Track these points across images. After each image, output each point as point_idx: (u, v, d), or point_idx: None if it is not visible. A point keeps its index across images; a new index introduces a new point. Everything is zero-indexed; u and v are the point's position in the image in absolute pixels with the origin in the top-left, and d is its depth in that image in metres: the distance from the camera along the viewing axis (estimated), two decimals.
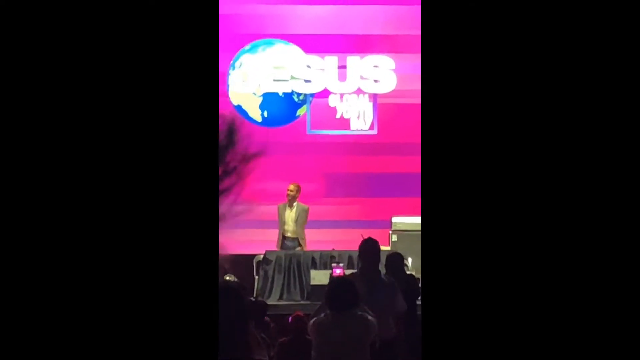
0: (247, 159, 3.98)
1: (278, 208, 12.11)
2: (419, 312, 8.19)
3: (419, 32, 10.67)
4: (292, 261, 11.40)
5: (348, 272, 10.47)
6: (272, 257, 11.37)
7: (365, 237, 9.80)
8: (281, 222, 12.12)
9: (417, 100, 12.79)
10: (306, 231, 12.24)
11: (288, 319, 8.70)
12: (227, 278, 10.69)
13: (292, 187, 12.07)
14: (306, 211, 12.13)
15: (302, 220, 12.02)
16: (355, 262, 10.85)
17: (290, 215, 11.99)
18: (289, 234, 11.99)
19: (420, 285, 8.96)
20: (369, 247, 7.28)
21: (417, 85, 12.36)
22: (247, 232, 11.89)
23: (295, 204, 12.01)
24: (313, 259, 11.30)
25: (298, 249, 11.71)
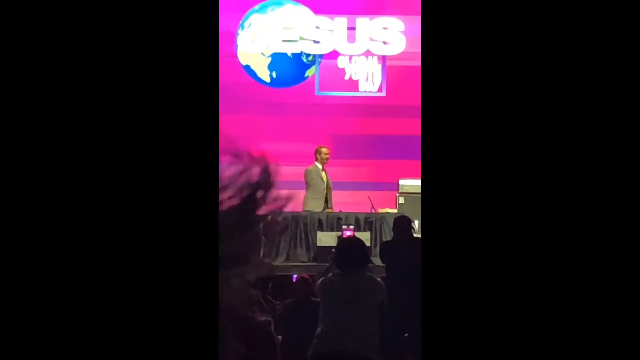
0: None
1: (309, 172, 12.17)
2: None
3: None
4: (299, 222, 11.44)
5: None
6: (279, 218, 11.23)
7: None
8: (319, 185, 12.21)
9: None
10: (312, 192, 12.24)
11: (293, 279, 8.93)
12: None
13: (327, 150, 12.20)
14: None
15: None
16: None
17: (326, 178, 12.13)
18: (321, 200, 12.10)
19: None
20: (353, 245, 7.04)
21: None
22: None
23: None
24: (319, 220, 11.28)
25: (329, 210, 11.87)
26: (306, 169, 11.94)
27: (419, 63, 10.30)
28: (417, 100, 10.51)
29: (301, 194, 12.07)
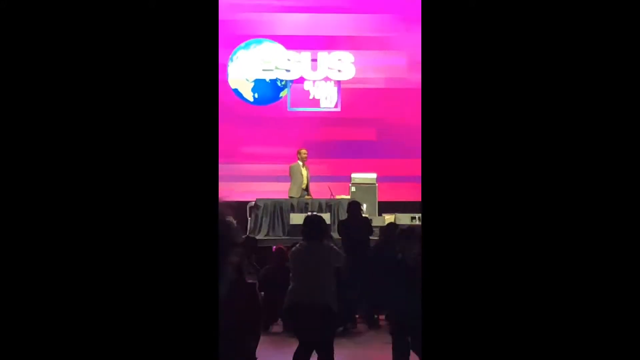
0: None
1: (292, 168, 12.11)
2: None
3: (375, 34, 10.39)
4: (276, 206, 11.64)
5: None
6: (261, 204, 11.69)
7: (332, 195, 11.43)
8: (298, 178, 12.06)
9: (372, 85, 12.91)
10: (286, 184, 12.38)
11: (272, 249, 9.22)
12: (228, 219, 10.72)
13: (305, 151, 12.12)
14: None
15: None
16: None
17: (305, 172, 12.09)
18: (304, 187, 12.05)
19: (371, 223, 9.50)
20: (316, 222, 6.67)
21: (371, 74, 12.53)
22: (244, 185, 12.76)
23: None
24: (292, 204, 11.59)
25: (308, 197, 11.94)
26: (290, 165, 12.12)
27: (366, 86, 10.60)
28: (365, 114, 10.71)
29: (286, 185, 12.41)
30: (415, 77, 12.86)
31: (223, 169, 12.02)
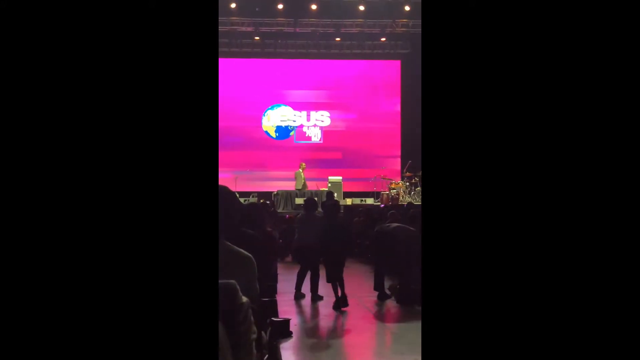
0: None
1: (296, 173, 13.58)
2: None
3: (340, 102, 15.70)
4: (288, 194, 13.56)
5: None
6: (280, 193, 13.63)
7: (319, 188, 13.02)
8: (300, 179, 13.60)
9: (339, 129, 17.24)
10: (293, 182, 14.41)
11: (286, 216, 10.95)
12: (252, 199, 13.06)
13: (304, 164, 13.77)
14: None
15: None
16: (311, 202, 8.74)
17: (303, 176, 13.69)
18: (303, 183, 13.54)
19: (339, 203, 9.84)
20: (311, 202, 7.27)
21: (339, 123, 17.70)
22: (272, 183, 14.92)
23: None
24: (296, 193, 13.56)
25: (305, 189, 13.63)
26: (295, 172, 14.14)
27: (336, 129, 17.05)
28: (335, 144, 16.90)
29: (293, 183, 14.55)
30: (362, 125, 15.58)
31: (260, 175, 15.20)
